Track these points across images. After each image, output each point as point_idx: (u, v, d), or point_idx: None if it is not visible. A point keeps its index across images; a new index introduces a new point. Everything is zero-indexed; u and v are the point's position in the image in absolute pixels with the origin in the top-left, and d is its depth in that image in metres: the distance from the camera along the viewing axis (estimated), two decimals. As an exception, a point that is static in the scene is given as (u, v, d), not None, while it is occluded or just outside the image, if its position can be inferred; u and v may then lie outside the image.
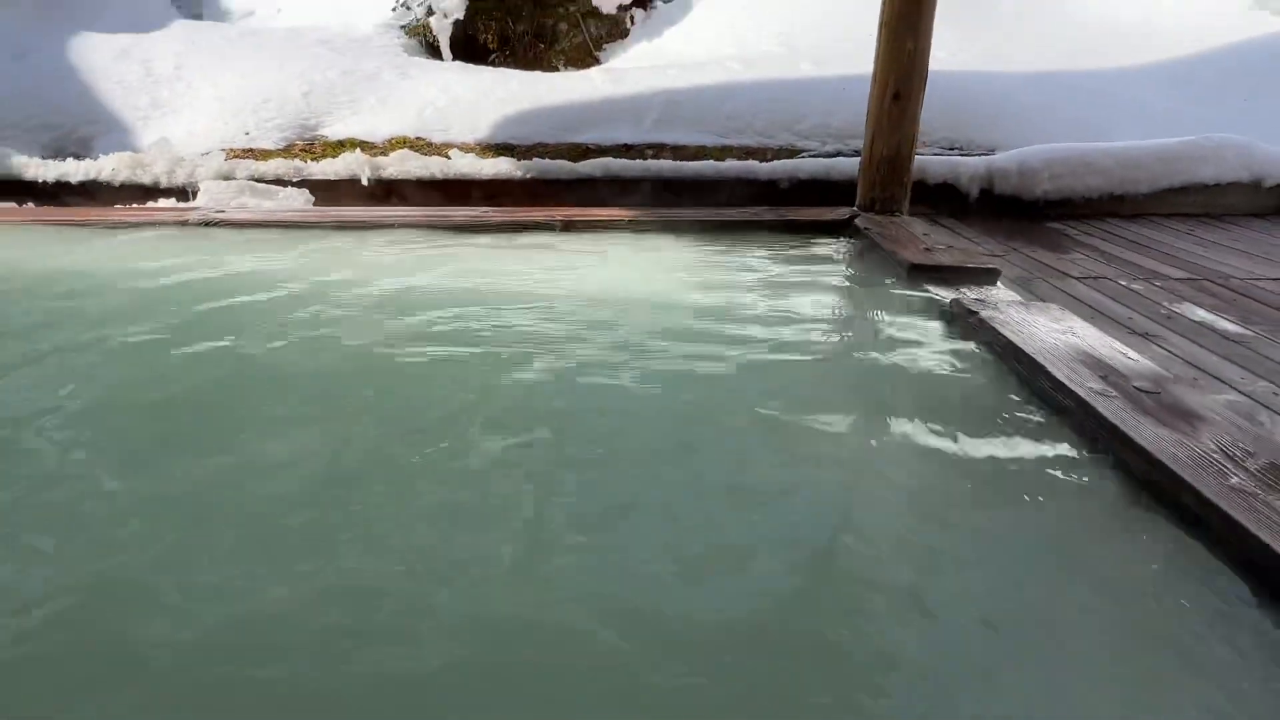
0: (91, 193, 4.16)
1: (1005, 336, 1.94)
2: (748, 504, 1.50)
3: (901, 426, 1.74)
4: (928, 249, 2.71)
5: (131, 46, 5.54)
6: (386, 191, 4.34)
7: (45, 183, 4.07)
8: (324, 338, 2.21)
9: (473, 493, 1.50)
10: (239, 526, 1.40)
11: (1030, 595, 1.27)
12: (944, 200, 4.30)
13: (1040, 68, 5.27)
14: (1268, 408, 2.09)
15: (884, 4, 2.95)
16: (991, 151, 4.54)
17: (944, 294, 2.42)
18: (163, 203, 4.04)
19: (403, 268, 2.80)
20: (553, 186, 4.37)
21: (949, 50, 5.74)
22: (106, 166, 4.11)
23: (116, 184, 4.13)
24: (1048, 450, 1.62)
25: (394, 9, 6.31)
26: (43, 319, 2.36)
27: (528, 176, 4.36)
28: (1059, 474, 1.55)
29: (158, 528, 1.39)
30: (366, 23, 6.43)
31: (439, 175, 4.33)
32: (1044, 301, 2.31)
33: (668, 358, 2.04)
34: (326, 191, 4.24)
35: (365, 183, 4.25)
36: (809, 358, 2.12)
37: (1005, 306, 2.16)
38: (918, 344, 2.11)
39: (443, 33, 6.13)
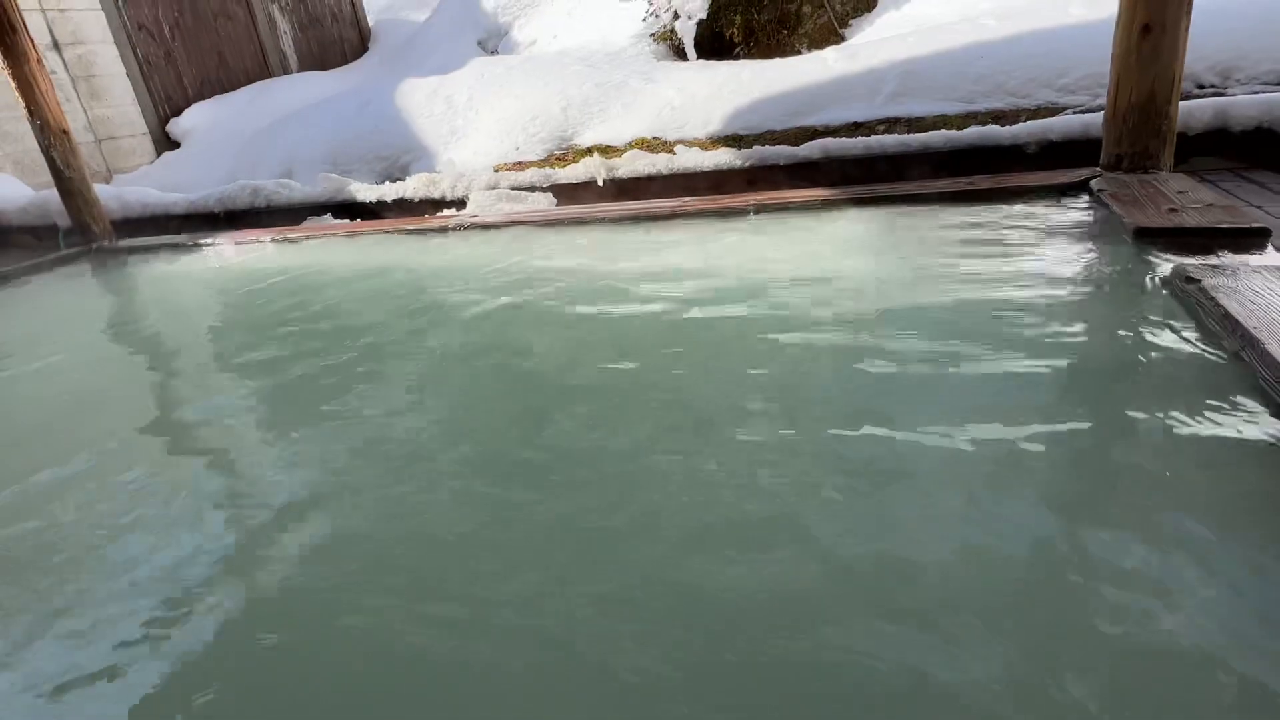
0: (401, 208, 5.18)
1: (1224, 307, 1.57)
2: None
3: (1061, 418, 1.52)
4: (1172, 209, 2.24)
5: (439, 86, 6.72)
6: (620, 190, 4.72)
7: (370, 202, 5.16)
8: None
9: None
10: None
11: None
12: (1259, 150, 3.44)
13: None
14: None
15: (1130, -80, 2.47)
16: (1341, 80, 3.51)
17: (1180, 260, 2.00)
18: (447, 212, 4.88)
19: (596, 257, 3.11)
20: (773, 171, 4.38)
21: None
22: (409, 186, 5.08)
23: (417, 200, 5.09)
24: (1241, 450, 1.30)
25: (644, 19, 6.75)
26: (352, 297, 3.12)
27: (747, 165, 4.43)
28: (1251, 477, 1.24)
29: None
30: (622, 36, 6.99)
31: (664, 171, 4.59)
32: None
33: (812, 340, 1.99)
34: (570, 194, 4.76)
35: (600, 183, 4.68)
36: (985, 342, 1.91)
37: (1246, 273, 1.73)
38: (1115, 326, 1.79)
39: (687, 35, 6.42)
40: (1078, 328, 1.86)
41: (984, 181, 2.97)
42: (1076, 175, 2.79)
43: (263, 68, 8.28)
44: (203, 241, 4.69)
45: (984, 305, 2.05)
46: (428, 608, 1.25)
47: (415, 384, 2.18)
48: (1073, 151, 3.68)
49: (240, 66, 8.12)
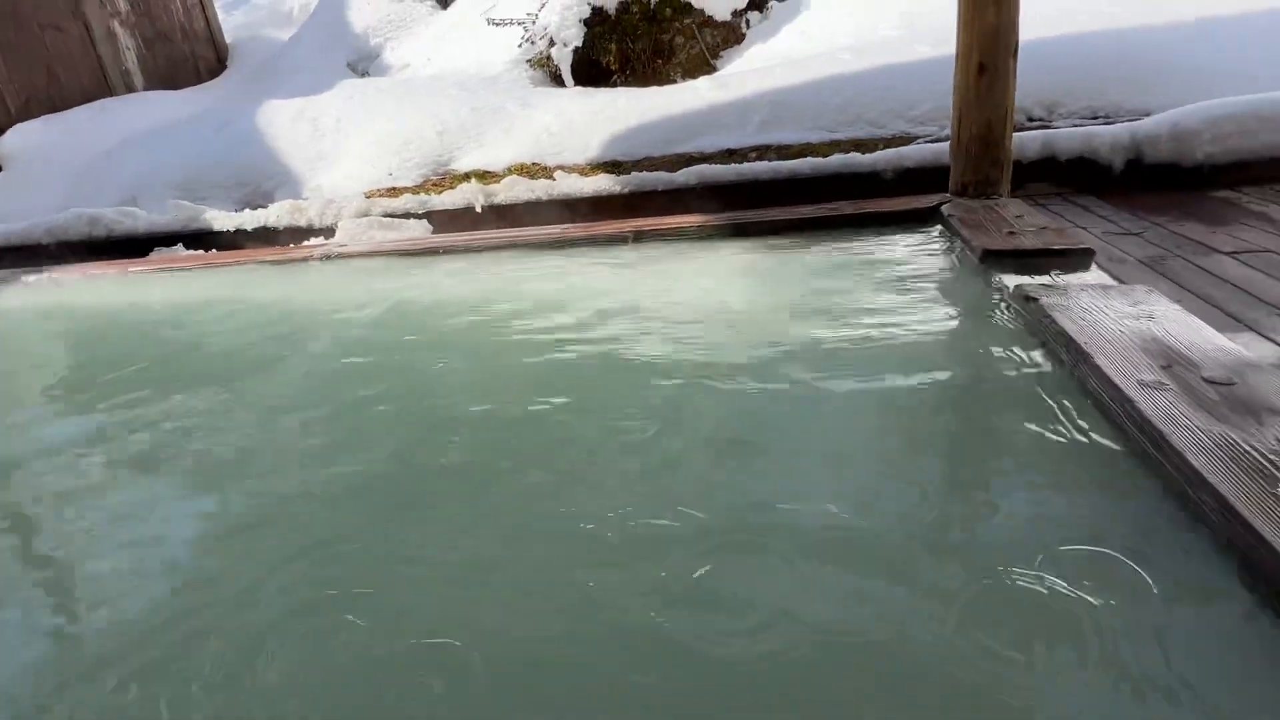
0: (263, 237, 4.85)
1: (1059, 324, 1.71)
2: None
3: (917, 423, 1.59)
4: (1011, 232, 2.43)
5: (305, 108, 6.40)
6: (498, 216, 4.64)
7: (228, 232, 4.81)
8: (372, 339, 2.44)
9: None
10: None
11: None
12: (1080, 177, 3.82)
13: (1207, 12, 4.53)
14: None
15: (962, -31, 2.70)
16: (1143, 117, 3.96)
17: (1019, 280, 2.17)
18: (314, 241, 4.62)
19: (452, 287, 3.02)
20: (651, 198, 4.44)
21: (1089, 11, 5.11)
22: (273, 214, 4.78)
23: (281, 228, 4.79)
24: (1077, 451, 1.40)
25: (520, 45, 6.73)
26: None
27: (626, 190, 4.47)
28: (1081, 478, 1.34)
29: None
30: (498, 61, 6.93)
31: (544, 197, 4.56)
32: (1140, 285, 1.99)
33: (698, 360, 2.01)
34: (447, 220, 4.63)
35: (479, 209, 4.58)
36: (848, 355, 1.99)
37: (1077, 291, 1.89)
38: (966, 339, 1.91)
39: (563, 61, 6.45)
40: (936, 345, 1.98)
41: (847, 207, 3.13)
42: (929, 201, 2.98)
43: (102, 85, 7.60)
44: (27, 277, 4.20)
45: (851, 326, 2.14)
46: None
47: (267, 425, 2.01)
48: (925, 177, 3.95)
49: (75, 84, 7.42)
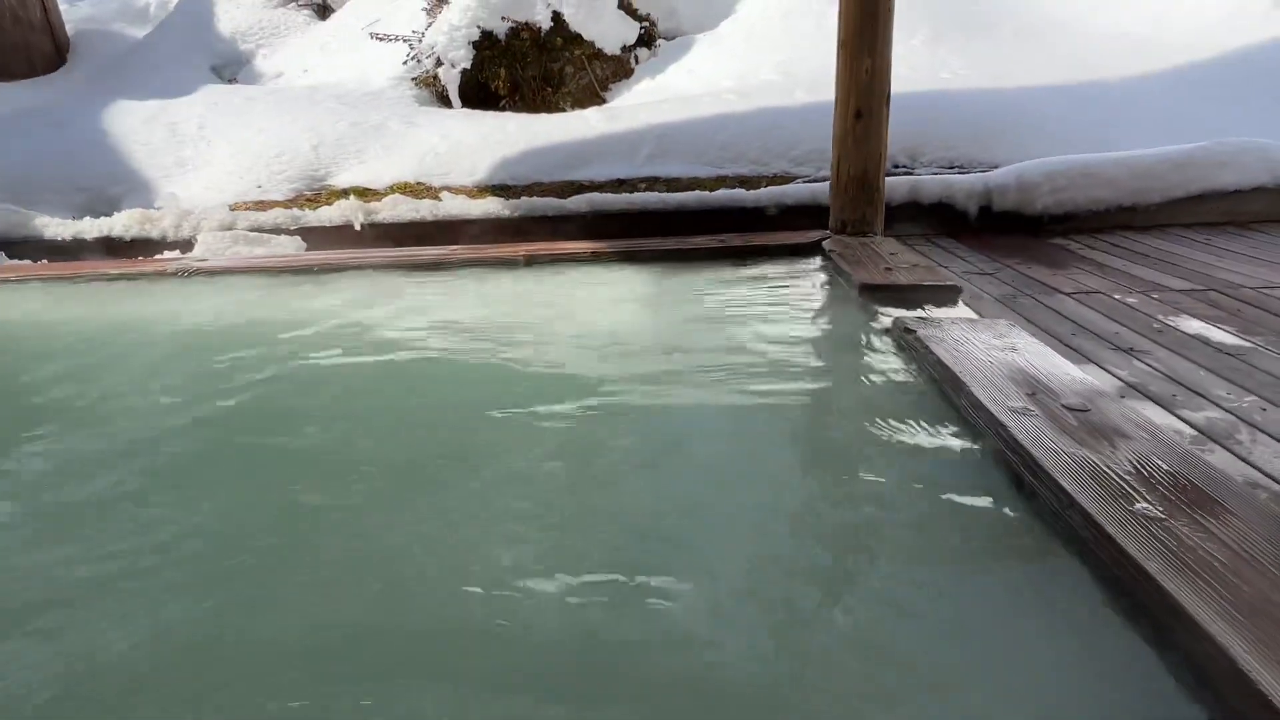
0: (107, 249, 4.38)
1: (935, 354, 1.81)
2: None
3: (810, 446, 1.63)
4: (888, 269, 2.59)
5: (160, 111, 5.89)
6: (378, 236, 4.43)
7: (64, 240, 4.30)
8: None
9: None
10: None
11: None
12: (941, 220, 4.15)
13: (1045, 82, 5.09)
14: (1249, 424, 1.89)
15: (840, 23, 2.89)
16: (993, 169, 4.37)
17: (896, 314, 2.30)
18: (167, 254, 4.22)
19: (357, 305, 2.84)
20: (541, 223, 4.39)
21: (951, 70, 5.62)
22: (119, 223, 4.33)
23: (129, 239, 4.35)
24: (953, 473, 1.48)
25: (404, 62, 6.55)
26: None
27: (516, 215, 4.41)
28: (961, 498, 1.41)
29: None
30: (381, 77, 6.69)
31: (429, 217, 4.41)
32: (1004, 319, 2.16)
33: (597, 388, 1.98)
34: (323, 238, 4.36)
35: (358, 228, 4.36)
36: (739, 379, 2.02)
37: (949, 325, 2.03)
38: (844, 366, 2.00)
39: (451, 82, 6.32)
40: (818, 373, 2.05)
41: (735, 239, 3.22)
42: (812, 237, 3.13)
43: (-91, 71, 6.67)
44: None
45: (737, 353, 2.19)
46: None
47: (105, 457, 1.78)
48: (804, 214, 4.16)
49: (-126, 66, 6.47)
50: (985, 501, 1.39)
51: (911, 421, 1.67)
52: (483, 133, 5.45)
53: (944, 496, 1.43)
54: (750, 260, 3.11)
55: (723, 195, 4.32)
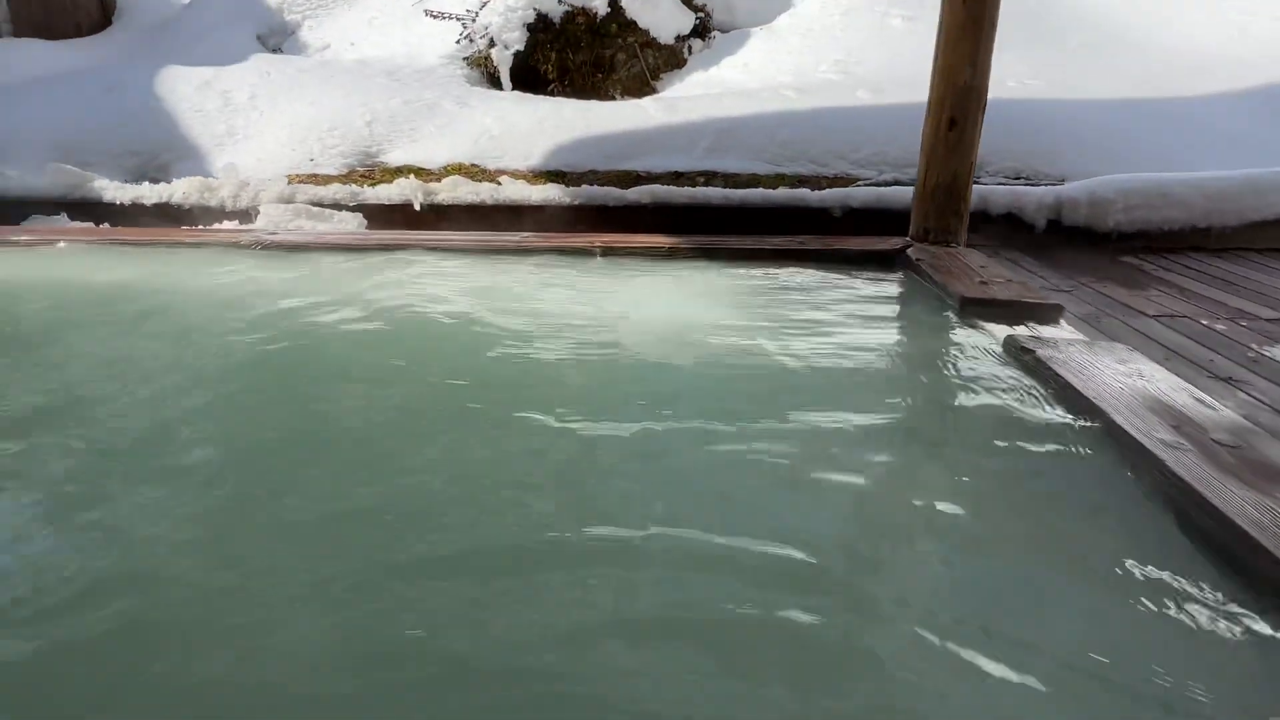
0: (164, 215, 4.36)
1: (1064, 378, 1.78)
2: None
3: (943, 471, 1.60)
4: (983, 282, 2.55)
5: (213, 78, 5.84)
6: (438, 217, 4.40)
7: (122, 205, 4.28)
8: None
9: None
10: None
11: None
12: (1007, 232, 4.09)
13: (1113, 95, 5.01)
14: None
15: (940, 29, 2.83)
16: (1061, 182, 4.31)
17: (999, 330, 2.26)
18: (227, 224, 4.20)
19: (436, 289, 2.81)
20: (600, 213, 4.36)
21: (1017, 79, 5.54)
22: (178, 190, 4.31)
23: (187, 206, 4.33)
24: (1108, 508, 1.45)
25: (458, 41, 6.49)
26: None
27: (575, 203, 4.37)
28: (1120, 532, 1.39)
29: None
30: (432, 54, 6.63)
31: (489, 201, 4.37)
32: (1111, 341, 2.12)
33: (685, 393, 1.94)
34: (381, 216, 4.34)
35: (418, 208, 4.33)
36: (846, 392, 1.99)
37: (1067, 346, 1.99)
38: (964, 386, 1.96)
39: (503, 64, 6.26)
40: (937, 390, 1.98)
41: (813, 242, 3.19)
42: (892, 243, 3.09)
43: (-41, 24, 6.64)
44: None
45: (843, 360, 2.15)
46: None
47: (198, 439, 1.76)
48: (870, 218, 4.12)
49: (-74, 18, 6.43)
50: (1151, 535, 1.36)
51: (1050, 446, 1.64)
52: (538, 117, 5.40)
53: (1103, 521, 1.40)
54: (828, 263, 3.07)
55: (786, 194, 4.28)
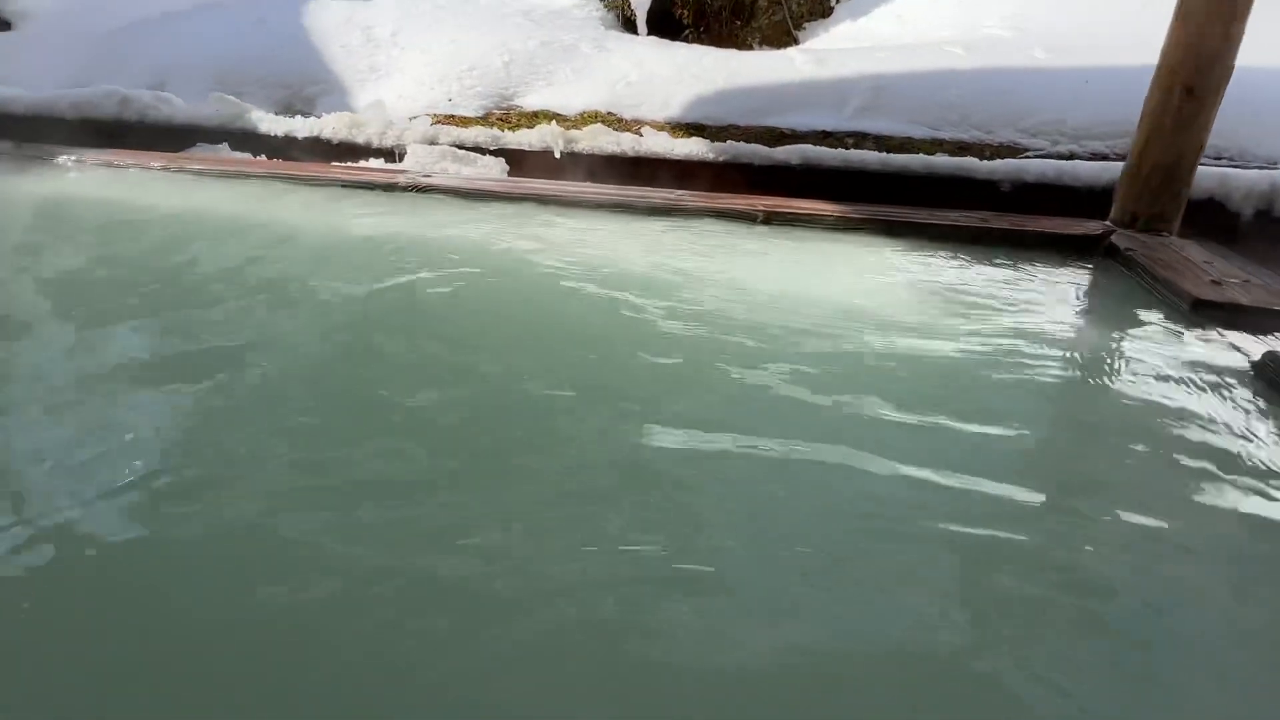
0: (312, 149, 4.43)
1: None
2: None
3: (1198, 513, 1.39)
4: (1215, 281, 2.23)
5: (355, 13, 5.87)
6: (575, 165, 4.30)
7: (276, 137, 4.37)
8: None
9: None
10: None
11: None
12: (1204, 219, 3.64)
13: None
14: None
15: (1186, -20, 2.45)
16: (1274, 165, 3.79)
17: (1244, 343, 1.97)
18: (373, 162, 4.22)
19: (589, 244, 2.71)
20: (744, 172, 4.15)
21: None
22: (328, 125, 4.35)
23: (335, 141, 4.37)
24: None
25: (596, -19, 6.28)
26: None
27: (719, 160, 4.17)
28: None
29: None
30: (566, -5, 6.45)
31: (629, 153, 4.23)
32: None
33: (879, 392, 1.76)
34: (520, 161, 4.27)
35: (558, 155, 4.23)
36: (1069, 420, 1.77)
37: (1345, 367, 1.70)
38: (1210, 407, 1.70)
39: (640, 7, 6.03)
40: (1185, 414, 1.69)
41: (997, 220, 2.90)
42: (1090, 228, 2.77)
43: (121, -50, 6.87)
44: (65, 156, 3.72)
45: (1053, 381, 1.90)
46: None
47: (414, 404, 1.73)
48: (1045, 195, 3.74)
49: (92, -56, 6.69)
50: None
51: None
52: (677, 64, 5.18)
53: None
54: (1015, 247, 2.79)
55: (951, 163, 3.94)
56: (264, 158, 4.16)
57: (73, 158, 3.71)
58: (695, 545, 1.24)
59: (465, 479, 1.42)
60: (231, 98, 4.43)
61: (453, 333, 2.04)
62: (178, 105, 4.32)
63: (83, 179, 3.61)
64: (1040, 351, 1.97)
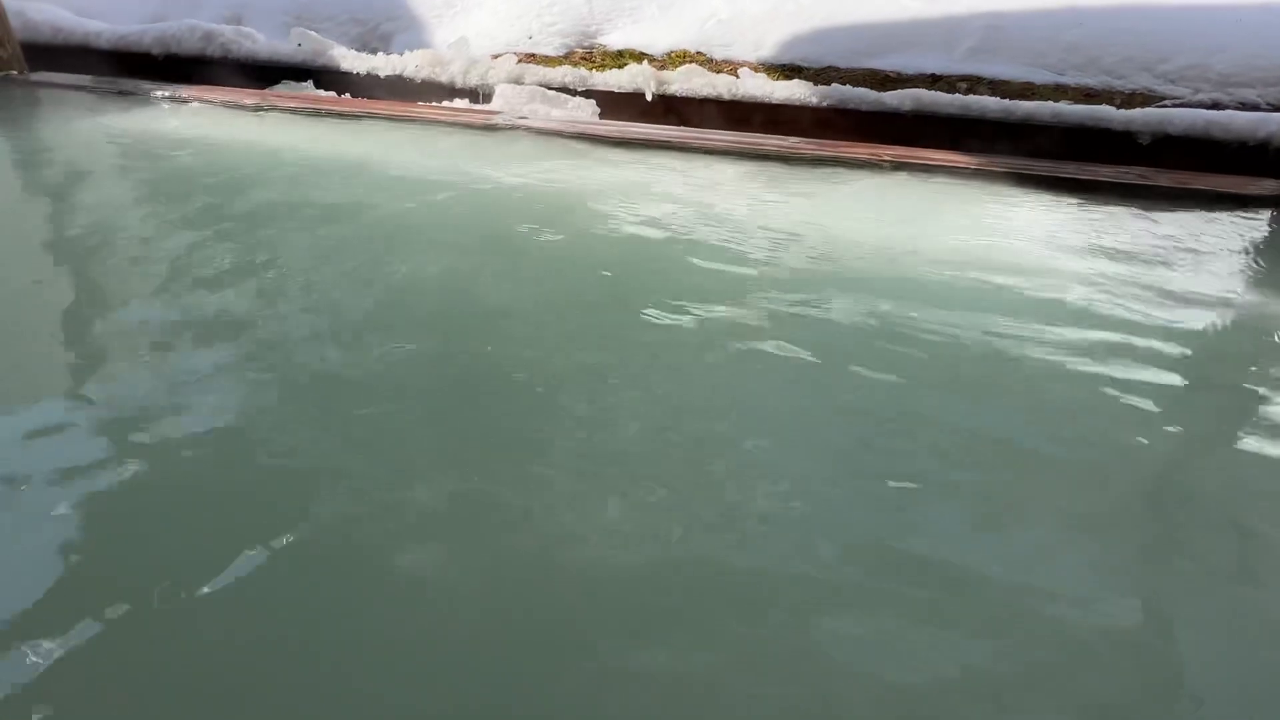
0: (394, 87, 4.29)
1: None
2: None
3: None
4: None
5: (431, -56, 5.63)
6: (666, 108, 4.08)
7: (358, 74, 4.24)
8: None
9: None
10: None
11: None
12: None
13: None
14: None
15: None
16: None
17: None
18: (458, 102, 4.07)
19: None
20: (849, 118, 3.87)
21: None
22: (410, 63, 4.20)
23: (418, 80, 4.22)
24: None
25: (681, -91, 5.88)
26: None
27: (822, 104, 3.89)
28: None
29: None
30: (649, -76, 6.08)
31: (725, 96, 3.98)
32: None
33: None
34: (610, 104, 4.07)
35: (649, 98, 4.01)
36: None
37: None
38: None
39: (729, -63, 5.64)
40: None
41: (1158, 177, 2.63)
42: (1264, 186, 2.48)
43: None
44: (158, 92, 3.65)
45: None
46: None
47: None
48: (1189, 149, 3.39)
49: None
50: None
51: None
52: (773, 1, 4.85)
53: None
54: (1172, 205, 2.52)
55: (1083, 111, 3.60)
56: (348, 95, 4.03)
57: (166, 93, 3.64)
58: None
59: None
60: (314, 34, 4.30)
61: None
62: (260, 41, 4.21)
63: (198, 118, 3.51)
64: (1235, 332, 1.76)
